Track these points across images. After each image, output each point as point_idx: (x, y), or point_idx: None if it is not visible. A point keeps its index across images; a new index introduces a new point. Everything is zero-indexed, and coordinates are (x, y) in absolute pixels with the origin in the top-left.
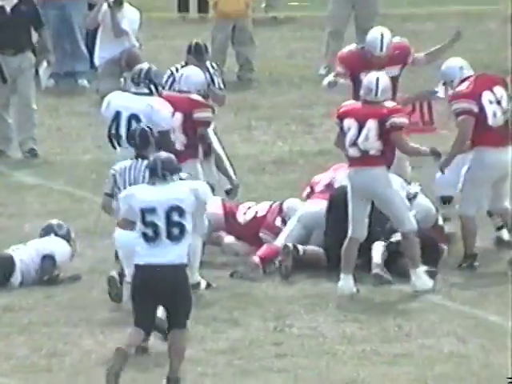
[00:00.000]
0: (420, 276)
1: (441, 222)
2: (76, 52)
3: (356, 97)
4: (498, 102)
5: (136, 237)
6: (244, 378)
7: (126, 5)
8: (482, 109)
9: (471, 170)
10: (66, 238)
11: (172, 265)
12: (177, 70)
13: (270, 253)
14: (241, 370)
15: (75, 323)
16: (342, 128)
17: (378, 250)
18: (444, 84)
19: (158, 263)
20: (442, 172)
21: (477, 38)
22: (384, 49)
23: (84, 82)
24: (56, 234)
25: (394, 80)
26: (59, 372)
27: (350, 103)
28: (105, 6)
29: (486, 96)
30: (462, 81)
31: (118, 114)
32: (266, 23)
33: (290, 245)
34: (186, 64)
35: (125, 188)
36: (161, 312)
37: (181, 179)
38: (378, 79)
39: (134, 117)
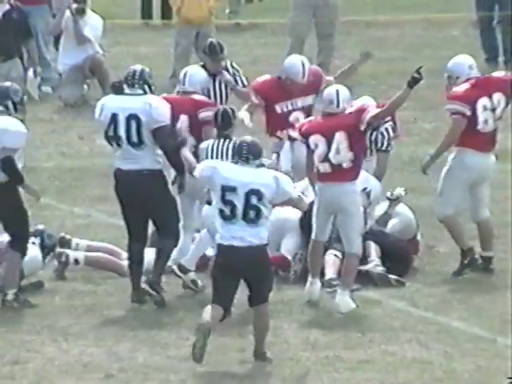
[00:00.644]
0: (345, 298)
1: (419, 236)
2: (39, 58)
3: (272, 128)
4: (493, 109)
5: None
6: None
7: (88, 12)
8: (474, 113)
9: (450, 169)
10: (49, 249)
11: (252, 246)
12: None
13: None
14: (204, 377)
15: (38, 330)
16: (308, 145)
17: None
18: (448, 78)
19: (238, 245)
20: (424, 172)
21: (440, 44)
22: (305, 76)
23: (48, 88)
24: (42, 242)
25: (309, 109)
26: (22, 379)
27: (310, 119)
28: (67, 13)
29: (482, 102)
30: (467, 80)
31: (114, 117)
32: (229, 29)
33: (301, 252)
34: (204, 66)
35: None
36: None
37: (262, 165)
38: (337, 90)
39: (132, 117)
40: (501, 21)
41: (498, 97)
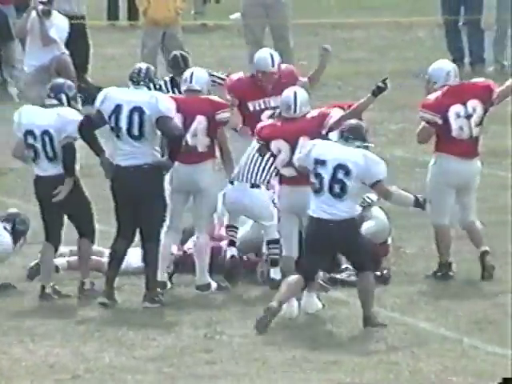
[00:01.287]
0: (311, 299)
1: (390, 241)
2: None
3: (249, 125)
4: (469, 116)
5: None
6: None
7: (54, 13)
8: (446, 121)
9: (432, 176)
10: (20, 234)
11: (338, 220)
12: (165, 83)
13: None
14: (171, 378)
15: (4, 331)
16: (268, 148)
17: None
18: (428, 81)
19: (326, 218)
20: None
21: (406, 46)
22: (275, 65)
23: (13, 89)
24: (14, 227)
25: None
26: None
27: (269, 123)
28: (33, 14)
29: (454, 109)
30: (441, 87)
31: (118, 108)
32: (195, 30)
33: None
34: (173, 78)
35: None
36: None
37: (366, 147)
38: (295, 94)
39: (136, 109)
40: (466, 23)
41: (473, 104)
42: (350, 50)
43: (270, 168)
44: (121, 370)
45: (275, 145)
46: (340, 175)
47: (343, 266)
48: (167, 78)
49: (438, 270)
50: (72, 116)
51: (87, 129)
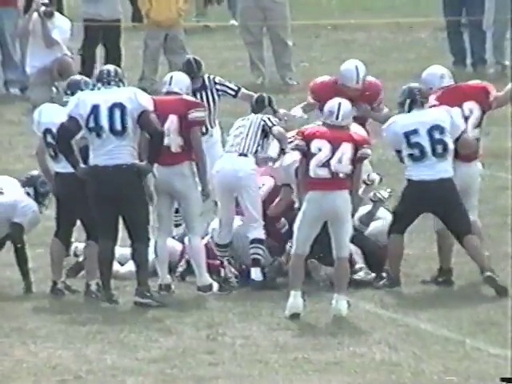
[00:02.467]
0: (344, 302)
1: None
2: (7, 60)
3: None
4: (466, 118)
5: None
6: None
7: (56, 14)
8: None
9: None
10: (44, 197)
11: (443, 179)
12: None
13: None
14: (173, 379)
15: (7, 333)
16: (303, 152)
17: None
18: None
19: (429, 179)
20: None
21: (407, 47)
22: (360, 81)
23: (16, 90)
24: (36, 190)
25: (362, 120)
26: None
27: (314, 126)
28: (35, 16)
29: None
30: (440, 89)
31: (95, 108)
32: (198, 32)
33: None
34: None
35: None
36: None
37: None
38: (340, 103)
39: (117, 105)
40: (468, 24)
41: (469, 105)
42: (352, 52)
43: (259, 140)
44: (123, 371)
45: (316, 143)
46: (437, 135)
47: (357, 266)
48: None
49: (438, 275)
50: None
51: (63, 139)
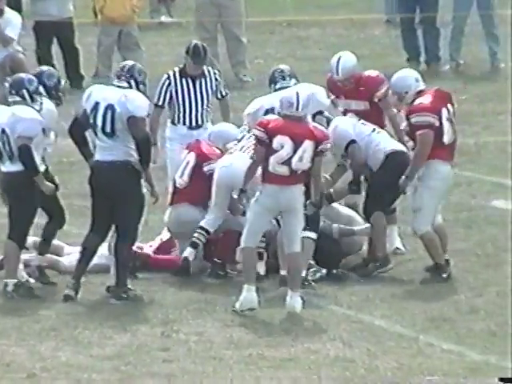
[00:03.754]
0: (298, 298)
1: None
2: None
3: None
4: (451, 120)
5: None
6: (131, 383)
7: (7, 10)
8: (440, 124)
9: (429, 182)
10: (55, 89)
11: None
12: (174, 74)
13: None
14: (128, 376)
15: None
16: (265, 143)
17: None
18: (396, 94)
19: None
20: (404, 192)
21: (362, 44)
22: (339, 72)
23: None
24: (45, 86)
25: (364, 113)
26: None
27: (273, 118)
28: None
29: (444, 113)
30: (418, 93)
31: (96, 105)
32: (152, 28)
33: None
34: (184, 66)
35: None
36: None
37: None
38: (297, 93)
39: (109, 107)
40: (422, 21)
41: (450, 108)
42: (306, 48)
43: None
44: (77, 368)
45: (279, 140)
46: None
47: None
48: (176, 69)
49: (440, 271)
50: (25, 115)
51: (76, 130)
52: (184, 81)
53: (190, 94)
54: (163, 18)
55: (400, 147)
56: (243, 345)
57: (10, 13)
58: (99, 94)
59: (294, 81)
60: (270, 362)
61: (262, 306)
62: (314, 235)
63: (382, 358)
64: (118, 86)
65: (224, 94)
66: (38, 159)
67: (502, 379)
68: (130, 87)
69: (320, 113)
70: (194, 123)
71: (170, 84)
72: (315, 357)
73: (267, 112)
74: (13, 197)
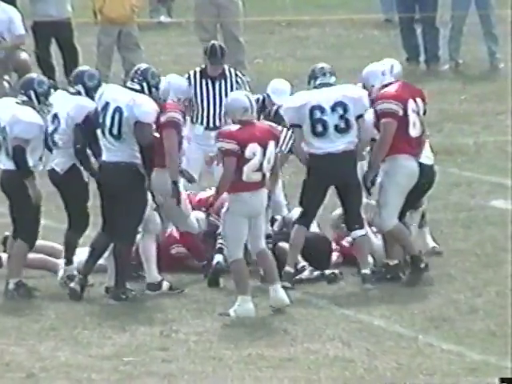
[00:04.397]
0: (281, 290)
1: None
2: None
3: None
4: (418, 113)
5: None
6: (130, 383)
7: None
8: (405, 115)
9: (394, 177)
10: (45, 96)
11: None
12: (194, 74)
13: None
14: (127, 376)
15: None
16: (237, 154)
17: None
18: (364, 87)
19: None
20: (368, 186)
21: (361, 44)
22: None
23: None
24: (35, 92)
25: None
26: None
27: (235, 127)
28: None
29: (411, 104)
30: (384, 86)
31: (106, 105)
32: (151, 28)
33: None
34: (206, 67)
35: None
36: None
37: None
38: (248, 96)
39: (118, 109)
40: (421, 21)
41: (419, 101)
42: (306, 48)
43: None
44: (76, 368)
45: (251, 148)
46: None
47: (300, 265)
48: (197, 69)
49: (415, 263)
50: (24, 117)
51: (87, 129)
52: (204, 81)
53: (208, 95)
54: (162, 18)
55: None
56: (243, 345)
57: (7, 8)
58: (110, 94)
59: (333, 78)
60: (270, 362)
61: (261, 307)
62: (363, 231)
63: (382, 357)
64: (131, 88)
65: (248, 90)
66: (31, 161)
67: (501, 379)
68: (142, 90)
69: (361, 116)
70: (211, 124)
71: (189, 84)
72: (314, 357)
73: (313, 109)
74: (12, 195)
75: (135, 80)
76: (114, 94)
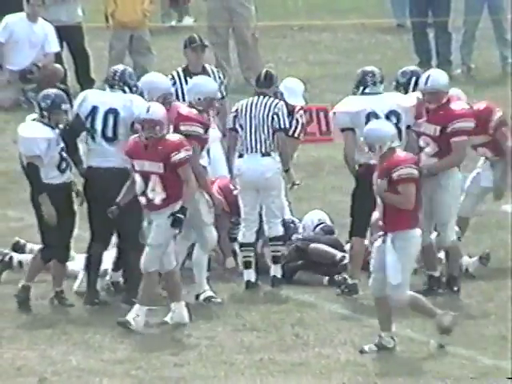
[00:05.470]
0: (180, 310)
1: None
2: None
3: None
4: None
5: None
6: None
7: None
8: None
9: (456, 192)
10: (48, 110)
11: None
12: (177, 74)
13: None
14: (138, 380)
15: None
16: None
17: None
18: (434, 94)
19: None
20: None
21: (373, 49)
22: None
23: None
24: (39, 106)
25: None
26: None
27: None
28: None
29: None
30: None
31: (94, 109)
32: (163, 32)
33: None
34: (187, 65)
35: (248, 123)
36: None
37: None
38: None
39: (111, 111)
40: (434, 25)
41: None
42: (318, 53)
43: (273, 135)
44: (88, 372)
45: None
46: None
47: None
48: (179, 69)
49: (431, 284)
50: (24, 134)
51: (69, 136)
52: (188, 79)
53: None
54: (173, 23)
55: None
56: (254, 349)
57: (43, 22)
58: (96, 98)
59: (382, 86)
60: (281, 367)
61: (273, 311)
62: None
63: (393, 362)
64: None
65: (223, 95)
66: (51, 173)
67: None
68: (125, 93)
69: (408, 126)
70: None
71: (174, 84)
72: (326, 361)
73: (369, 116)
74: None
75: (116, 86)
76: (100, 97)
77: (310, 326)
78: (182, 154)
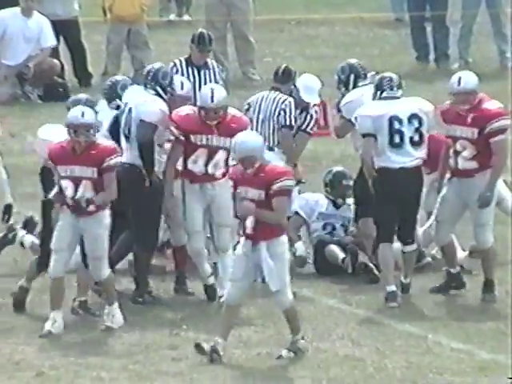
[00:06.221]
0: (114, 313)
1: None
2: None
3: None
4: None
5: None
6: (139, 382)
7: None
8: None
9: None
10: (170, 87)
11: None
12: (180, 63)
13: None
14: (136, 374)
15: None
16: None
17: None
18: (469, 94)
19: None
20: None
21: (371, 43)
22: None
23: None
24: (160, 85)
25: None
26: None
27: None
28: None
29: None
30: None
31: (125, 105)
32: (161, 27)
33: None
34: (190, 56)
35: (256, 116)
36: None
37: None
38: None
39: (130, 110)
40: (431, 19)
41: None
42: (315, 47)
43: (275, 131)
44: (86, 366)
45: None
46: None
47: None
48: (182, 58)
49: (448, 280)
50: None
51: (115, 130)
52: (190, 70)
53: (194, 83)
54: (171, 17)
55: None
56: (252, 344)
57: (39, 16)
58: (129, 94)
59: (400, 91)
60: (279, 361)
61: (271, 305)
62: (415, 246)
63: (391, 356)
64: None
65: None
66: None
67: (511, 378)
68: (157, 94)
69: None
70: None
71: (177, 72)
72: (324, 356)
73: (392, 119)
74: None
75: (148, 86)
76: (131, 94)
77: (307, 321)
78: (118, 159)
